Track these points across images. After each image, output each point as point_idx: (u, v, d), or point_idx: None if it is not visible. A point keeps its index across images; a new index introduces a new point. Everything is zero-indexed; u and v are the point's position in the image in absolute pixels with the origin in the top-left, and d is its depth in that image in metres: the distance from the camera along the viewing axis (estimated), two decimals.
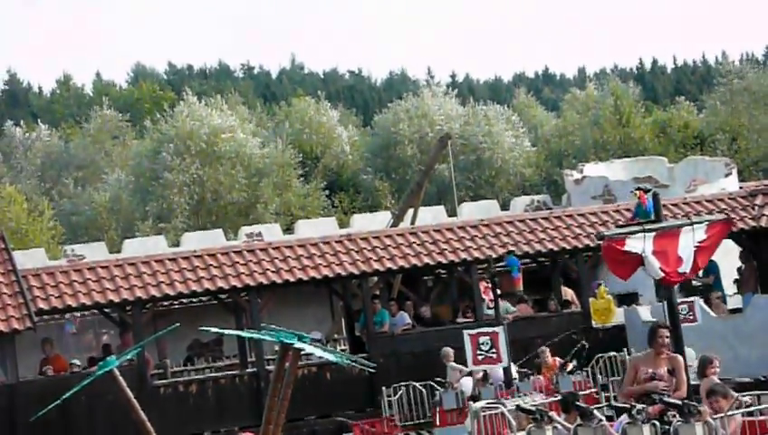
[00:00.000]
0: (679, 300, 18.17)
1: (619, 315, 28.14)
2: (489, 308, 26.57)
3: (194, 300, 30.11)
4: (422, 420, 25.05)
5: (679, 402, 13.21)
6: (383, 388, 25.30)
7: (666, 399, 13.55)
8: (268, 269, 26.43)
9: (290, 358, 10.73)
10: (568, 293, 28.98)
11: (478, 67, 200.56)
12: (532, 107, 72.05)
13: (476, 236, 28.02)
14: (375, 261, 27.02)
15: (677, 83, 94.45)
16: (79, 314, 30.88)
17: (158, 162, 53.99)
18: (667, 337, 14.37)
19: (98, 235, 53.53)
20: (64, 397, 12.67)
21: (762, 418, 13.98)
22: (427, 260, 27.33)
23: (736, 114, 60.12)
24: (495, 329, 22.67)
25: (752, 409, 14.19)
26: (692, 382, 14.86)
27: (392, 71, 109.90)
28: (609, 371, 25.52)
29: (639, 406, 13.15)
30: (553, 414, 14.12)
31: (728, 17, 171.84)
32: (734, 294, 29.23)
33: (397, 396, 25.21)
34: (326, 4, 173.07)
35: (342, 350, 28.64)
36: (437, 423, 23.88)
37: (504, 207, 43.92)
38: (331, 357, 11.45)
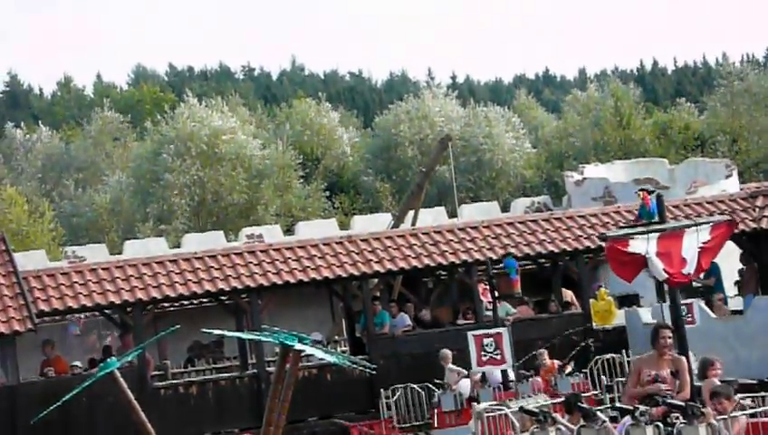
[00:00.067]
0: None
1: (619, 317, 28.11)
2: (488, 310, 26.55)
3: (194, 301, 30.06)
4: (420, 422, 25.04)
5: (682, 404, 13.18)
6: (381, 389, 25.29)
7: (669, 400, 13.52)
8: (269, 271, 26.41)
9: (290, 359, 10.72)
10: (568, 294, 28.94)
11: (479, 68, 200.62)
12: (532, 108, 72.09)
13: (477, 237, 27.98)
14: (375, 262, 26.98)
15: (678, 85, 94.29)
16: (83, 316, 30.90)
17: (158, 164, 54.01)
18: (670, 338, 14.33)
19: (99, 236, 53.54)
20: (65, 399, 12.65)
21: (766, 419, 13.92)
22: (427, 262, 27.30)
23: (737, 116, 60.08)
24: (499, 330, 22.65)
25: (757, 410, 14.15)
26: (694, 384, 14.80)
27: (393, 72, 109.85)
28: (608, 372, 25.48)
29: (642, 408, 13.12)
30: (557, 416, 14.09)
31: (729, 18, 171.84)
32: (735, 295, 29.18)
33: (395, 398, 25.19)
34: (326, 6, 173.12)
35: (343, 351, 28.64)
36: (436, 425, 23.85)
37: (505, 208, 43.95)
38: (331, 359, 11.44)
